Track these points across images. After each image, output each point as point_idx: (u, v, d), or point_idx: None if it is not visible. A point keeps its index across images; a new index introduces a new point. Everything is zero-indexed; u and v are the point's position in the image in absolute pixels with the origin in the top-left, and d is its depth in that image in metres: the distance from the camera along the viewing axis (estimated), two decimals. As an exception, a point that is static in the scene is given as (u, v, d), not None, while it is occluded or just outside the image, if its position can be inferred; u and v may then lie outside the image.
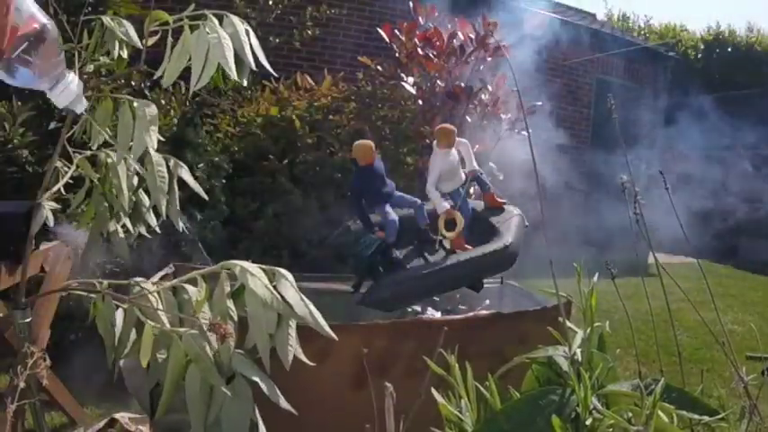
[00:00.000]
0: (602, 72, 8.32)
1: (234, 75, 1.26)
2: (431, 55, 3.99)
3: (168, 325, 1.23)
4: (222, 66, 1.25)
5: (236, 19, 1.34)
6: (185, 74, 1.31)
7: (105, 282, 1.35)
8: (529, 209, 2.40)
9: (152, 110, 1.46)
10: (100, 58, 1.53)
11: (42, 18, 0.73)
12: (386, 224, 2.19)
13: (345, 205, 3.26)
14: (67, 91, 0.81)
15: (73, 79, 0.80)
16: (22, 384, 1.01)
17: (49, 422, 2.19)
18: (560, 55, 7.50)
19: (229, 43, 1.27)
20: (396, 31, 4.13)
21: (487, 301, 2.41)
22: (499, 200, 2.49)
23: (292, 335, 1.21)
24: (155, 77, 1.34)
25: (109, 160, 1.59)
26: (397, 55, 4.17)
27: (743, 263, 7.80)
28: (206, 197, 1.87)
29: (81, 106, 0.85)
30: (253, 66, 1.32)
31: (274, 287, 1.23)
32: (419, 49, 4.01)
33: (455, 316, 1.97)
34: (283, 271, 1.27)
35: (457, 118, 3.94)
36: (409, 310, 2.29)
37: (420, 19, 4.17)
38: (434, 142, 2.37)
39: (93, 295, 1.31)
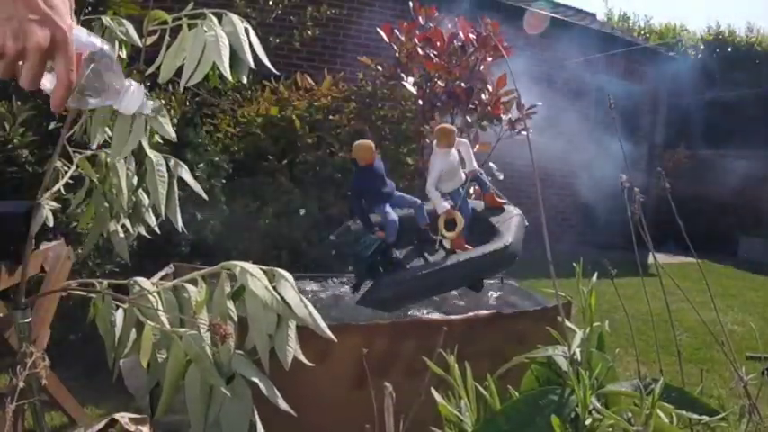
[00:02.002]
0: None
1: (227, 74, 1.25)
2: (431, 55, 3.99)
3: (168, 325, 1.23)
4: (217, 64, 1.25)
5: (235, 17, 1.33)
6: (185, 73, 1.31)
7: (105, 282, 1.34)
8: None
9: (156, 104, 1.45)
10: (100, 58, 1.52)
11: (96, 40, 0.74)
12: (386, 224, 2.18)
13: (345, 205, 3.26)
14: (133, 99, 0.81)
15: (133, 86, 0.80)
16: (21, 384, 1.01)
17: (49, 422, 2.19)
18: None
19: (226, 42, 1.27)
20: (396, 31, 4.13)
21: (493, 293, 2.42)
22: (499, 200, 2.49)
23: (292, 336, 1.21)
24: (147, 73, 1.34)
25: (109, 160, 1.59)
26: (396, 55, 4.17)
27: (743, 263, 7.79)
28: (206, 197, 1.87)
29: (147, 108, 0.85)
30: (252, 64, 1.32)
31: (274, 288, 1.22)
32: (419, 49, 4.00)
33: (455, 316, 1.97)
34: (283, 272, 1.27)
35: (457, 118, 3.94)
36: None
37: (420, 19, 4.17)
38: (434, 142, 2.37)
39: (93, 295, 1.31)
